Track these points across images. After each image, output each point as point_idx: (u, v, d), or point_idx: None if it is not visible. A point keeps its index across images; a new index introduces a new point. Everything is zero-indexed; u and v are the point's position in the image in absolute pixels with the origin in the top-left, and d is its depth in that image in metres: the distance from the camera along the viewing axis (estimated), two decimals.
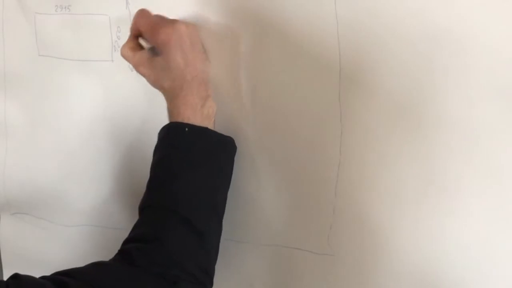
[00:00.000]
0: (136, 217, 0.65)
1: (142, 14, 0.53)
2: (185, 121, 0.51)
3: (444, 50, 0.45)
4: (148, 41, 0.53)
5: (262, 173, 0.56)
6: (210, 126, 0.53)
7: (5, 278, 0.80)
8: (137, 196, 0.64)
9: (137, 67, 0.54)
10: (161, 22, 0.52)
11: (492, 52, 0.44)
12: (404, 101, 0.48)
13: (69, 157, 0.68)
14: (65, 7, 0.62)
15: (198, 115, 0.52)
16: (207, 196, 0.52)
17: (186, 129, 0.51)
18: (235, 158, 0.56)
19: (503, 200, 0.45)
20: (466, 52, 0.45)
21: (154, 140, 0.61)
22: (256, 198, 0.57)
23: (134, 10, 0.57)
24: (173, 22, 0.52)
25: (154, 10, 0.55)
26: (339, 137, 0.51)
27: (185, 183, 0.51)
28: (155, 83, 0.54)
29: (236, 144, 0.55)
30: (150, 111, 0.61)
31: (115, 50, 0.61)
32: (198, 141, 0.52)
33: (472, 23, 0.44)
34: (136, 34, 0.54)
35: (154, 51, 0.53)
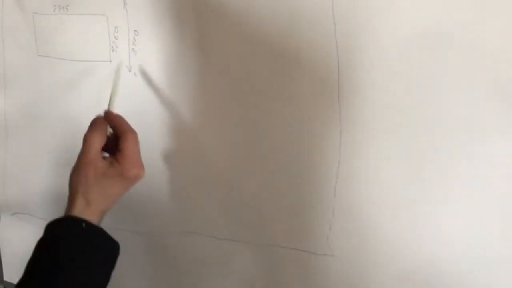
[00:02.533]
0: (135, 217, 0.65)
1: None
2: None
3: (444, 49, 0.45)
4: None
5: (261, 173, 0.56)
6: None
7: (5, 278, 0.80)
8: (137, 196, 0.64)
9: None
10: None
11: (492, 52, 0.44)
12: (403, 101, 0.48)
13: (69, 157, 0.68)
14: (64, 7, 0.62)
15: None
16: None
17: (83, 225, 0.51)
18: None
19: (503, 200, 0.45)
20: (466, 52, 0.44)
21: (153, 140, 0.61)
22: (256, 198, 0.57)
23: (132, 11, 0.57)
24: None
25: (154, 11, 0.55)
26: (338, 137, 0.51)
27: (68, 277, 0.50)
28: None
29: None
30: (149, 111, 0.61)
31: (112, 51, 0.61)
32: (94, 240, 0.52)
33: (472, 22, 0.44)
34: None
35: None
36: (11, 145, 0.72)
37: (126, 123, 0.54)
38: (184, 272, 0.64)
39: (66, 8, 0.62)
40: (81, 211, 0.52)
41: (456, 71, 0.45)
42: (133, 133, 0.53)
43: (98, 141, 0.53)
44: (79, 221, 0.51)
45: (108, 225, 0.66)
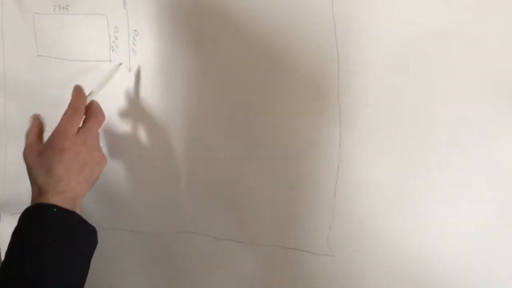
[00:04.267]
0: (135, 217, 0.65)
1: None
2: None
3: (444, 49, 0.45)
4: None
5: (261, 173, 0.56)
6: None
7: None
8: (136, 196, 0.64)
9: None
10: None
11: (492, 52, 0.44)
12: (403, 101, 0.48)
13: None
14: (64, 7, 0.62)
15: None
16: (66, 273, 0.52)
17: (55, 209, 0.52)
18: None
19: (503, 201, 0.45)
20: (466, 51, 0.44)
21: (153, 139, 0.61)
22: (256, 199, 0.57)
23: (132, 11, 0.57)
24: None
25: (154, 11, 0.55)
26: (338, 138, 0.51)
27: (44, 258, 0.51)
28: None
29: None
30: (149, 110, 0.61)
31: (112, 51, 0.61)
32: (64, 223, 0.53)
33: (472, 22, 0.44)
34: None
35: None
36: (11, 145, 0.72)
37: (79, 101, 0.56)
38: (184, 272, 0.64)
39: (66, 8, 0.62)
40: (37, 197, 0.54)
41: (457, 71, 0.45)
42: (74, 109, 0.55)
43: (34, 128, 0.57)
44: (49, 206, 0.52)
45: (108, 225, 0.66)
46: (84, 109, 0.57)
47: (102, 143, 0.64)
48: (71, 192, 0.54)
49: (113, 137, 0.64)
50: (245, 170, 0.57)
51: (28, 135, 0.57)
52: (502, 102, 0.44)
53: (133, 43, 0.60)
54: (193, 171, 0.60)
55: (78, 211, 0.55)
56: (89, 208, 0.66)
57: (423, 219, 0.49)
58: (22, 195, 0.66)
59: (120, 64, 0.60)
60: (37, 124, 0.57)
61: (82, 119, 0.57)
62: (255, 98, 0.55)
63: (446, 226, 0.48)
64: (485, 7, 0.43)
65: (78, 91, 0.57)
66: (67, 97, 0.58)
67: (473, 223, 0.47)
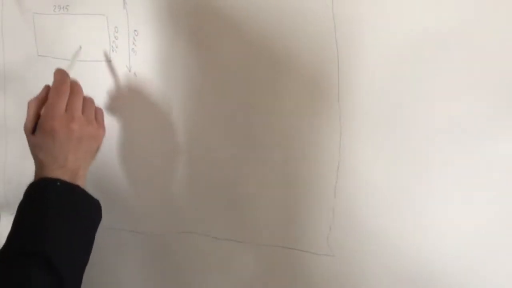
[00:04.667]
0: (135, 217, 0.65)
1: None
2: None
3: (444, 49, 0.45)
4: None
5: (261, 173, 0.56)
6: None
7: None
8: (136, 196, 0.64)
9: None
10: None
11: (492, 52, 0.44)
12: (404, 101, 0.48)
13: None
14: (64, 7, 0.62)
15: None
16: (73, 244, 0.53)
17: (58, 183, 0.54)
18: None
19: (504, 201, 0.45)
20: (466, 51, 0.45)
21: (153, 139, 0.61)
22: (256, 198, 0.57)
23: (132, 11, 0.57)
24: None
25: (154, 11, 0.55)
26: (338, 138, 0.51)
27: (51, 229, 0.52)
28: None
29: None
30: (149, 110, 0.61)
31: (113, 51, 0.61)
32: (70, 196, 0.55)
33: (471, 23, 0.44)
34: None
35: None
36: (11, 145, 0.72)
37: (62, 82, 0.57)
38: (184, 272, 0.64)
39: (66, 8, 0.62)
40: (40, 171, 0.55)
41: (457, 71, 0.45)
42: (57, 90, 0.56)
43: (32, 107, 0.57)
44: (53, 181, 0.53)
45: (108, 225, 0.66)
46: (68, 89, 0.57)
47: (103, 140, 0.64)
48: (72, 166, 0.55)
49: (113, 137, 0.64)
50: (245, 170, 0.57)
51: (28, 106, 0.57)
52: (502, 102, 0.44)
53: (133, 43, 0.60)
54: (193, 171, 0.60)
55: (82, 182, 0.57)
56: None
57: (423, 219, 0.49)
58: (22, 195, 0.66)
59: (80, 47, 0.62)
60: (42, 98, 0.58)
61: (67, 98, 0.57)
62: (255, 98, 0.55)
63: (446, 226, 0.48)
64: (485, 7, 0.43)
65: (59, 73, 0.58)
66: None
67: (473, 223, 0.47)
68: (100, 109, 0.61)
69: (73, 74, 0.59)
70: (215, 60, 0.56)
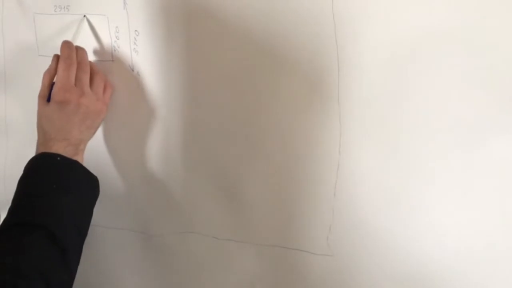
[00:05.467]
0: (135, 217, 0.65)
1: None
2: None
3: (444, 49, 0.45)
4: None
5: (261, 173, 0.56)
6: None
7: None
8: (137, 196, 0.64)
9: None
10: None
11: (492, 52, 0.44)
12: (403, 101, 0.48)
13: None
14: (64, 7, 0.62)
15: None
16: (73, 217, 0.54)
17: (58, 158, 0.55)
18: None
19: (504, 201, 0.45)
20: (466, 52, 0.45)
21: (153, 139, 0.61)
22: (256, 199, 0.57)
23: (132, 11, 0.57)
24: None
25: (154, 11, 0.55)
26: (338, 138, 0.51)
27: (52, 202, 0.53)
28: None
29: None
30: (150, 110, 0.61)
31: (114, 50, 0.61)
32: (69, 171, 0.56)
33: (471, 23, 0.44)
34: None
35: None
36: (11, 145, 0.72)
37: (70, 53, 0.58)
38: (184, 272, 0.64)
39: (67, 8, 0.62)
40: (42, 143, 0.56)
41: (457, 71, 0.45)
42: (67, 62, 0.57)
43: (46, 78, 0.59)
44: (54, 156, 0.55)
45: (108, 225, 0.66)
46: (75, 61, 0.58)
47: (102, 142, 0.64)
48: (74, 139, 0.57)
49: (114, 137, 0.64)
50: (245, 170, 0.57)
51: (44, 77, 0.59)
52: (502, 102, 0.44)
53: (135, 43, 0.60)
54: (193, 171, 0.60)
55: (82, 156, 0.58)
56: None
57: (423, 219, 0.49)
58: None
59: (84, 16, 0.62)
60: (53, 69, 0.59)
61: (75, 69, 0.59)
62: (255, 98, 0.55)
63: (445, 226, 0.48)
64: (485, 8, 0.43)
65: (67, 44, 0.59)
66: None
67: (473, 223, 0.47)
68: (110, 86, 0.62)
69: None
70: (216, 59, 0.56)
